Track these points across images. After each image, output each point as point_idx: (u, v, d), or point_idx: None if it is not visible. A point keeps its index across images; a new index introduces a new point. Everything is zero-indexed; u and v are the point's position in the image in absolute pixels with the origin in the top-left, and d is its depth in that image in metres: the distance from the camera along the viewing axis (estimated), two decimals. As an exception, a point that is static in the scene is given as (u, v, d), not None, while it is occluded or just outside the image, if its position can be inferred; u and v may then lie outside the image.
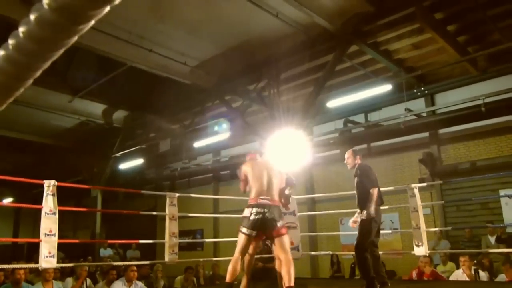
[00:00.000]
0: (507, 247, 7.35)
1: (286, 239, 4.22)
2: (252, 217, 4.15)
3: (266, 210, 4.16)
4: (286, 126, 8.44)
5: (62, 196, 4.79)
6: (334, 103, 10.23)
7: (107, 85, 11.96)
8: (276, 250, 4.24)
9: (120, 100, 13.51)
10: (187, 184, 16.56)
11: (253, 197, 4.28)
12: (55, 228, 4.53)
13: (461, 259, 6.58)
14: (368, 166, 5.13)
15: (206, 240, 12.51)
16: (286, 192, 4.66)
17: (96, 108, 13.60)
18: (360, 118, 12.01)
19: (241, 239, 4.20)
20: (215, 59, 10.24)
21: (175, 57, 9.87)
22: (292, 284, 3.97)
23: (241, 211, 4.38)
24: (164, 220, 5.76)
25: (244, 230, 4.18)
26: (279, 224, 4.18)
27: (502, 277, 6.31)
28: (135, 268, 6.41)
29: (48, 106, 12.74)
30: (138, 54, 9.49)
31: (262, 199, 4.24)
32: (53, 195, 4.60)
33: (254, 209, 4.18)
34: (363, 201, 4.89)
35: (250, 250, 4.41)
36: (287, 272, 4.03)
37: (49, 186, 4.59)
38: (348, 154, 5.33)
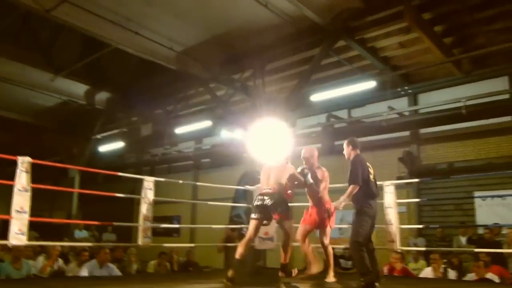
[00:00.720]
0: (478, 248, 7.50)
1: (286, 223, 4.99)
2: (255, 203, 4.88)
3: (266, 197, 4.83)
4: (269, 117, 8.42)
5: (39, 176, 4.71)
6: (318, 97, 10.25)
7: (91, 65, 11.78)
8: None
9: (104, 81, 13.31)
10: (167, 170, 16.47)
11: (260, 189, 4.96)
12: (27, 206, 4.45)
13: (432, 257, 6.70)
14: (359, 160, 4.99)
15: (183, 226, 12.49)
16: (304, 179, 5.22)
17: (79, 88, 13.35)
18: (343, 113, 12.08)
19: (250, 224, 4.89)
20: (202, 46, 10.14)
21: (161, 41, 9.74)
22: (284, 261, 4.98)
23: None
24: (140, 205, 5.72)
25: (252, 215, 4.89)
26: (278, 209, 4.83)
27: (470, 277, 6.44)
28: (108, 250, 6.36)
29: (29, 84, 12.46)
30: (124, 36, 9.34)
31: (265, 189, 4.94)
32: (26, 172, 4.51)
33: (258, 197, 4.91)
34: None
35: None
36: (283, 251, 4.99)
37: (23, 162, 4.50)
38: (344, 145, 5.28)
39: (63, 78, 12.44)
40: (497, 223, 8.59)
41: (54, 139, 15.63)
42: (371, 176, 4.90)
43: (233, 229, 7.75)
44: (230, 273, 4.61)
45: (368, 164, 4.97)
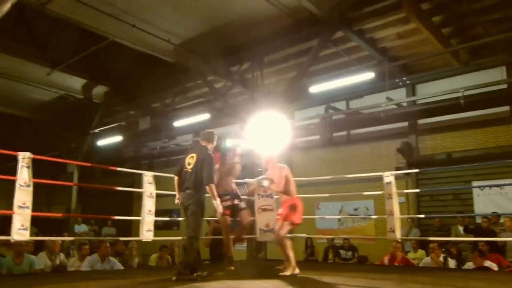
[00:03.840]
0: (475, 237, 7.56)
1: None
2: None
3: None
4: (268, 109, 8.42)
5: (38, 171, 4.70)
6: (317, 88, 10.24)
7: (88, 59, 11.70)
8: None
9: (101, 75, 13.24)
10: (165, 163, 16.46)
11: None
12: (29, 201, 4.46)
13: (430, 246, 6.75)
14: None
15: (182, 219, 12.47)
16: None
17: (76, 82, 13.29)
18: (341, 105, 12.10)
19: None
20: (199, 38, 10.10)
21: (158, 34, 9.70)
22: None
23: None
24: (140, 198, 5.73)
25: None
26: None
27: (469, 265, 6.50)
28: (108, 244, 6.39)
29: (26, 78, 12.41)
30: (121, 29, 9.29)
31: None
32: (28, 167, 4.52)
33: None
34: None
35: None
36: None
37: (24, 158, 4.50)
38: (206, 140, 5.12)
39: (60, 72, 12.36)
40: (496, 212, 8.64)
41: (51, 133, 15.57)
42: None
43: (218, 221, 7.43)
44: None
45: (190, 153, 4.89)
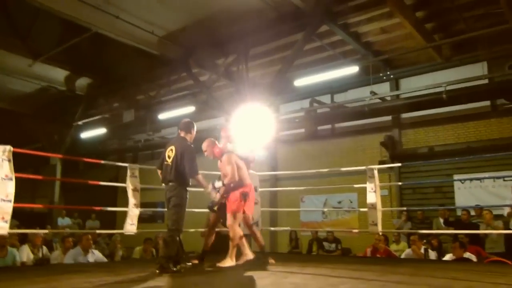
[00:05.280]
0: (455, 229, 7.72)
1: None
2: None
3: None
4: (253, 102, 8.43)
5: (20, 164, 4.63)
6: (302, 82, 10.29)
7: (70, 50, 11.54)
8: None
9: (84, 67, 13.09)
10: (150, 156, 16.37)
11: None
12: (11, 194, 4.40)
13: (412, 238, 6.87)
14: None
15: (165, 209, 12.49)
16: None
17: (58, 74, 13.11)
18: (326, 98, 12.17)
19: None
20: (184, 30, 10.04)
21: (142, 25, 9.61)
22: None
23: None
24: (125, 192, 5.70)
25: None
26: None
27: (449, 257, 6.63)
28: (90, 237, 6.36)
29: (7, 69, 12.19)
30: (104, 20, 9.18)
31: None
32: (9, 160, 4.44)
33: None
34: None
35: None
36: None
37: (4, 151, 4.44)
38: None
39: (42, 64, 12.17)
40: (478, 205, 8.81)
41: (34, 126, 15.36)
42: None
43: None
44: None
45: (169, 146, 4.84)
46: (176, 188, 4.59)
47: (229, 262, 4.86)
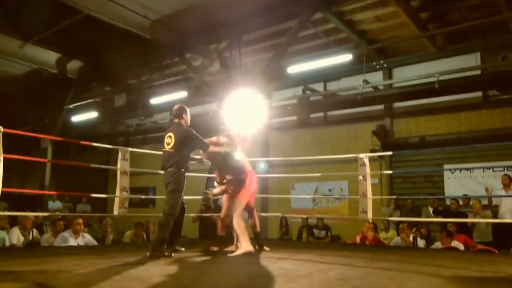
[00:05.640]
0: (443, 218, 7.81)
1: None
2: None
3: None
4: (245, 88, 8.41)
5: (9, 147, 4.59)
6: (295, 69, 10.26)
7: (62, 32, 11.35)
8: None
9: (76, 49, 12.92)
10: (142, 141, 16.33)
11: None
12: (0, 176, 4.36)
13: (400, 226, 6.95)
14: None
15: (159, 197, 12.48)
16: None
17: (50, 56, 12.95)
18: (319, 86, 12.16)
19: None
20: (177, 14, 9.94)
21: (135, 8, 9.49)
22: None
23: (196, 170, 4.52)
24: (116, 176, 5.68)
25: None
26: None
27: (437, 245, 6.73)
28: (81, 221, 6.35)
29: (-4, 50, 12.04)
30: (96, 2, 9.09)
31: None
32: (-3, 141, 4.40)
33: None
34: None
35: None
36: None
37: (-6, 132, 4.39)
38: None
39: (33, 46, 12.00)
40: (466, 195, 8.90)
41: (24, 108, 15.19)
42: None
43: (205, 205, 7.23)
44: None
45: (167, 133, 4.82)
46: (175, 173, 4.61)
47: (245, 247, 4.73)
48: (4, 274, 3.21)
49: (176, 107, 5.01)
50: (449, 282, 3.12)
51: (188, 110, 4.99)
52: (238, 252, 4.71)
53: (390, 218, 8.72)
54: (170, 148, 4.68)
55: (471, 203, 8.39)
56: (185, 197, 4.86)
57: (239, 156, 5.09)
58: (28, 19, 11.42)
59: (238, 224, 4.78)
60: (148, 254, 4.34)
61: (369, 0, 8.84)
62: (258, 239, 5.32)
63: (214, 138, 5.14)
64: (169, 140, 4.72)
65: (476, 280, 3.34)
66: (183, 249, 4.80)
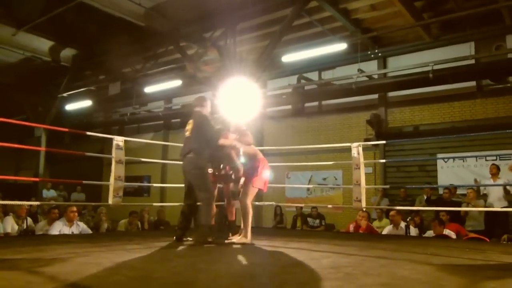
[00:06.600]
0: (436, 207, 7.88)
1: None
2: None
3: None
4: (240, 77, 8.38)
5: (3, 135, 4.59)
6: (289, 58, 10.25)
7: (55, 20, 11.22)
8: None
9: (69, 37, 12.78)
10: (136, 130, 16.31)
11: None
12: (-7, 164, 4.36)
13: (390, 214, 7.02)
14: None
15: (154, 185, 12.51)
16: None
17: (43, 44, 12.81)
18: (314, 75, 12.16)
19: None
20: (172, 2, 9.85)
21: (129, -4, 9.41)
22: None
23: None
24: (110, 165, 5.67)
25: None
26: None
27: (429, 233, 6.79)
28: (75, 209, 6.35)
29: (-11, 38, 11.91)
30: (89, -11, 8.97)
31: None
32: (-9, 130, 4.40)
33: None
34: None
35: None
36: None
37: (-13, 120, 4.37)
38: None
39: (26, 33, 11.87)
40: (452, 184, 8.98)
41: (18, 97, 15.06)
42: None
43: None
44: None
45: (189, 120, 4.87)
46: (197, 159, 4.59)
47: (246, 239, 4.69)
48: (-1, 262, 3.22)
49: (198, 96, 5.09)
50: (441, 269, 3.16)
51: (209, 100, 5.01)
52: (238, 240, 4.70)
53: (383, 206, 8.79)
54: (189, 134, 4.72)
55: (457, 192, 8.52)
56: (178, 186, 4.86)
57: (250, 148, 5.05)
58: (21, 6, 11.26)
59: (248, 212, 4.72)
60: (192, 241, 4.46)
61: (364, -12, 8.81)
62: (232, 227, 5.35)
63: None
64: (188, 126, 4.78)
65: (467, 268, 3.39)
66: (190, 239, 4.79)
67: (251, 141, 5.18)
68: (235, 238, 4.79)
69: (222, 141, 4.76)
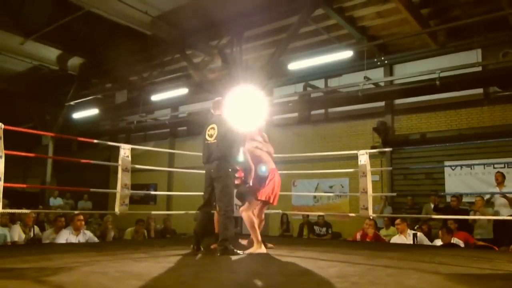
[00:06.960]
0: (443, 215, 7.80)
1: None
2: None
3: None
4: (246, 85, 8.39)
5: (11, 144, 4.58)
6: (296, 65, 10.26)
7: (63, 29, 11.36)
8: None
9: (76, 46, 12.91)
10: (143, 138, 16.36)
11: None
12: (1, 173, 4.37)
13: (396, 222, 6.97)
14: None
15: (160, 193, 12.52)
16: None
17: (50, 53, 12.94)
18: (320, 83, 12.16)
19: None
20: (178, 11, 9.92)
21: (135, 5, 9.47)
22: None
23: (197, 167, 4.40)
24: (117, 173, 5.68)
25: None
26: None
27: (437, 242, 6.73)
28: (82, 217, 6.34)
29: (-3, 47, 12.04)
30: (97, -2, 9.06)
31: None
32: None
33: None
34: None
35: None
36: None
37: (-5, 129, 4.39)
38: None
39: (34, 42, 12.01)
40: (457, 192, 8.90)
41: (25, 105, 15.20)
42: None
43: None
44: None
45: (210, 125, 4.74)
46: (224, 167, 4.49)
47: (257, 248, 4.58)
48: (5, 271, 3.22)
49: (215, 99, 4.95)
50: (448, 279, 3.13)
51: (224, 104, 4.90)
52: (252, 251, 4.55)
53: (384, 215, 8.74)
54: (214, 140, 4.57)
55: (464, 200, 8.46)
56: (191, 193, 4.80)
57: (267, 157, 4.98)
58: (29, 15, 11.41)
59: (251, 223, 4.57)
60: (218, 254, 4.32)
61: (370, -4, 8.82)
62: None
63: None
64: (212, 131, 4.62)
65: (474, 277, 3.34)
66: (202, 248, 4.73)
67: (272, 150, 5.14)
68: (250, 250, 4.64)
69: (249, 149, 4.67)
